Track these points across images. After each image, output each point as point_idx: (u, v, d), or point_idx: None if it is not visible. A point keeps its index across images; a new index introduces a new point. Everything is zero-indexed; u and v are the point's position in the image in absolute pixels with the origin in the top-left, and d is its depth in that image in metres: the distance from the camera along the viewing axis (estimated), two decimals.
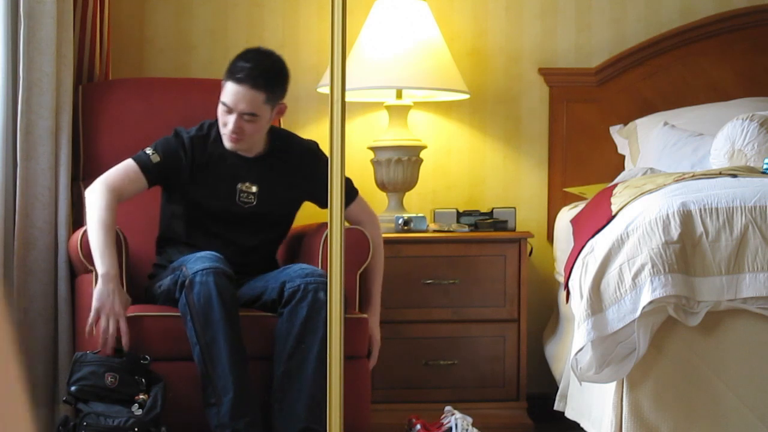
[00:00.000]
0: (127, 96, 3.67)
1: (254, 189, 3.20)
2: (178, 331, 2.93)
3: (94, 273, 3.03)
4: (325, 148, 3.97)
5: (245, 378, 2.87)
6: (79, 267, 3.13)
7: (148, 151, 3.14)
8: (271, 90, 3.12)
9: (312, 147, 3.34)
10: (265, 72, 3.11)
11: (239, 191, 3.18)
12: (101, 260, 2.93)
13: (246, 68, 3.08)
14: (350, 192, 3.29)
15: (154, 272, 3.24)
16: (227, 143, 3.14)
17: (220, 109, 3.12)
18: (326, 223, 2.86)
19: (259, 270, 3.23)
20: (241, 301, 3.07)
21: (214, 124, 3.19)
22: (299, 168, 3.26)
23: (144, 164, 3.12)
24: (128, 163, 3.13)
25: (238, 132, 3.09)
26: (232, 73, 3.09)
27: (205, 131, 3.20)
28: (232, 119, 3.08)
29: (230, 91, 3.08)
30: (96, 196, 3.04)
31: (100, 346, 2.90)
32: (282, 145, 3.28)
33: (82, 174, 3.55)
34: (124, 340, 2.91)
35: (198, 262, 2.92)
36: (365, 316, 3.16)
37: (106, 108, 3.61)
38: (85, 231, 3.04)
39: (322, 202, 3.31)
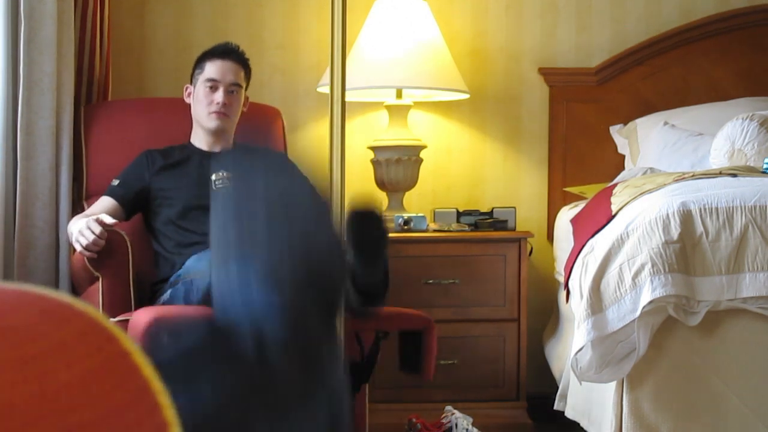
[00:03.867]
0: (129, 114, 3.61)
1: (228, 175, 3.26)
2: None
3: (99, 279, 3.03)
4: (325, 148, 3.98)
5: None
6: (84, 276, 3.07)
7: (113, 180, 3.33)
8: (247, 68, 3.38)
9: (280, 151, 3.60)
10: (240, 52, 3.37)
11: (214, 181, 3.27)
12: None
13: (225, 47, 3.35)
14: None
15: (151, 290, 3.24)
16: (213, 121, 3.29)
17: (204, 90, 3.29)
18: None
19: None
20: None
21: (179, 144, 3.38)
22: None
23: (110, 191, 3.29)
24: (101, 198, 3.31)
25: (226, 104, 3.28)
26: (213, 54, 3.33)
27: (167, 147, 3.37)
28: (219, 93, 3.28)
29: (216, 67, 3.31)
30: (73, 219, 3.14)
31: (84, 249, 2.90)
32: (249, 146, 3.41)
33: (86, 194, 3.49)
34: (108, 220, 2.94)
35: (194, 261, 2.91)
36: None
37: (108, 126, 3.53)
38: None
39: None
